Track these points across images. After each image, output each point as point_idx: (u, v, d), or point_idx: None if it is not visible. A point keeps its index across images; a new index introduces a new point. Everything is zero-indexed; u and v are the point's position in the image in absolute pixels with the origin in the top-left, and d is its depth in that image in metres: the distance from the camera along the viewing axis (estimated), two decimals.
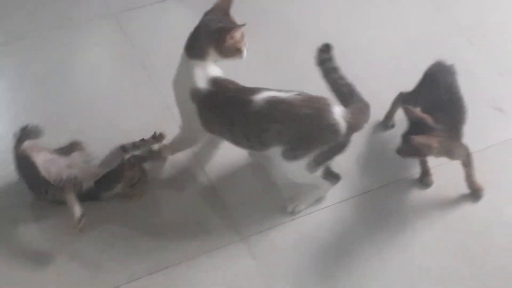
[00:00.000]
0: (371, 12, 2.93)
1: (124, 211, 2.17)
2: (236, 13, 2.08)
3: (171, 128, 2.28)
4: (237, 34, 2.03)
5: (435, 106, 2.15)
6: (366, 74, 2.46)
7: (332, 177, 2.16)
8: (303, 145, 2.00)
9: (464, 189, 2.24)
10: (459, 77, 2.25)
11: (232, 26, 2.03)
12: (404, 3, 2.97)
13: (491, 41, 2.78)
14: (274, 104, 1.98)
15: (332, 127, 1.96)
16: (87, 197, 2.12)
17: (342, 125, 1.97)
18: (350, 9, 2.94)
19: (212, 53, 2.05)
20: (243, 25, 2.02)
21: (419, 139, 2.02)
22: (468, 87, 2.35)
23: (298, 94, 2.00)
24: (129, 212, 2.18)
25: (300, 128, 1.97)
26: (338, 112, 1.97)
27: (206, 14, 2.09)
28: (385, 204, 2.24)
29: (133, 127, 2.36)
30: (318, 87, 2.07)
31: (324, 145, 2.01)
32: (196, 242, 2.13)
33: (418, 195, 2.26)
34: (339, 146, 2.04)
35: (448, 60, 2.28)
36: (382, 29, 2.85)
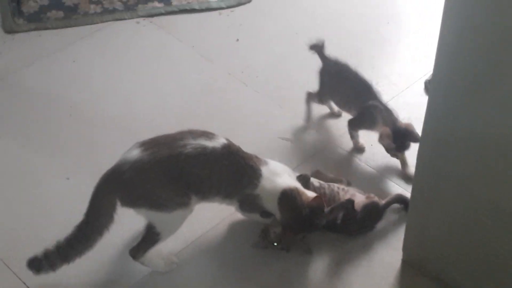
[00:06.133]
0: (147, 73, 3.03)
1: None
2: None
3: None
4: None
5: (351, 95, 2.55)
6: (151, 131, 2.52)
7: None
8: None
9: None
10: (243, 117, 2.42)
11: None
12: (176, 60, 3.09)
13: (264, 80, 2.97)
14: None
15: None
16: None
17: None
18: (126, 73, 3.03)
19: None
20: None
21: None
22: (255, 123, 2.57)
23: None
24: None
25: None
26: None
27: None
28: None
29: None
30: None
31: None
32: None
33: None
34: None
35: (230, 102, 2.54)
36: (162, 88, 2.94)
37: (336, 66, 2.62)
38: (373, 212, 2.27)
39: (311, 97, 2.72)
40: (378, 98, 2.49)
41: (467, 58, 1.63)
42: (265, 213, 2.21)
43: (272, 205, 2.18)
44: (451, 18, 1.61)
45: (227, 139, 2.16)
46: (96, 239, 2.10)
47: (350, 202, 2.21)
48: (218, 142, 2.12)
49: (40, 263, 2.07)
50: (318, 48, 2.65)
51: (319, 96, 2.68)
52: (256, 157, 2.21)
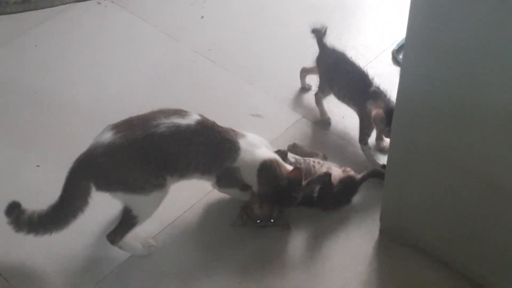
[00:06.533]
0: (113, 54, 2.98)
1: None
2: None
3: None
4: None
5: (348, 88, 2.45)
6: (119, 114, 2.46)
7: None
8: None
9: None
10: (213, 95, 2.46)
11: None
12: (141, 40, 3.05)
13: (231, 57, 2.94)
14: None
15: None
16: None
17: None
18: (90, 55, 2.97)
19: None
20: None
21: None
22: (225, 101, 2.57)
23: None
24: None
25: None
26: None
27: None
28: None
29: None
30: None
31: None
32: None
33: None
34: None
35: (199, 81, 2.56)
36: (128, 69, 2.89)
37: (334, 54, 2.55)
38: (350, 186, 2.28)
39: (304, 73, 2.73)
40: (372, 85, 2.41)
41: (440, 24, 1.62)
42: (244, 186, 2.21)
43: (251, 177, 2.17)
44: None
45: (200, 115, 2.13)
46: (69, 221, 2.07)
47: (328, 175, 2.21)
48: (192, 118, 2.10)
49: (13, 213, 2.05)
50: (319, 34, 2.57)
51: (321, 90, 2.60)
52: (232, 130, 2.19)
